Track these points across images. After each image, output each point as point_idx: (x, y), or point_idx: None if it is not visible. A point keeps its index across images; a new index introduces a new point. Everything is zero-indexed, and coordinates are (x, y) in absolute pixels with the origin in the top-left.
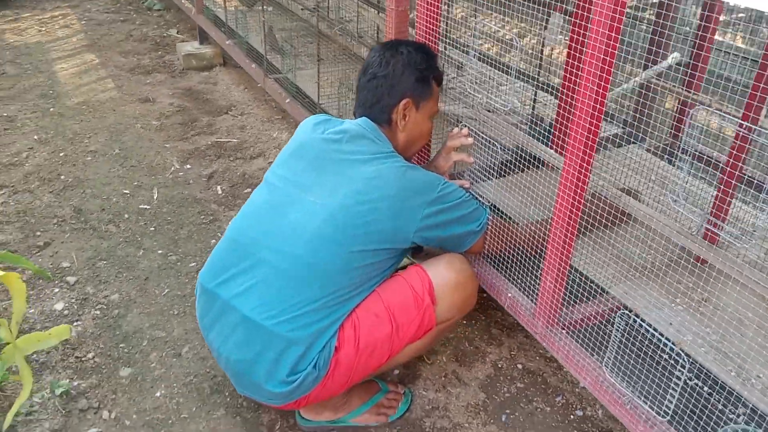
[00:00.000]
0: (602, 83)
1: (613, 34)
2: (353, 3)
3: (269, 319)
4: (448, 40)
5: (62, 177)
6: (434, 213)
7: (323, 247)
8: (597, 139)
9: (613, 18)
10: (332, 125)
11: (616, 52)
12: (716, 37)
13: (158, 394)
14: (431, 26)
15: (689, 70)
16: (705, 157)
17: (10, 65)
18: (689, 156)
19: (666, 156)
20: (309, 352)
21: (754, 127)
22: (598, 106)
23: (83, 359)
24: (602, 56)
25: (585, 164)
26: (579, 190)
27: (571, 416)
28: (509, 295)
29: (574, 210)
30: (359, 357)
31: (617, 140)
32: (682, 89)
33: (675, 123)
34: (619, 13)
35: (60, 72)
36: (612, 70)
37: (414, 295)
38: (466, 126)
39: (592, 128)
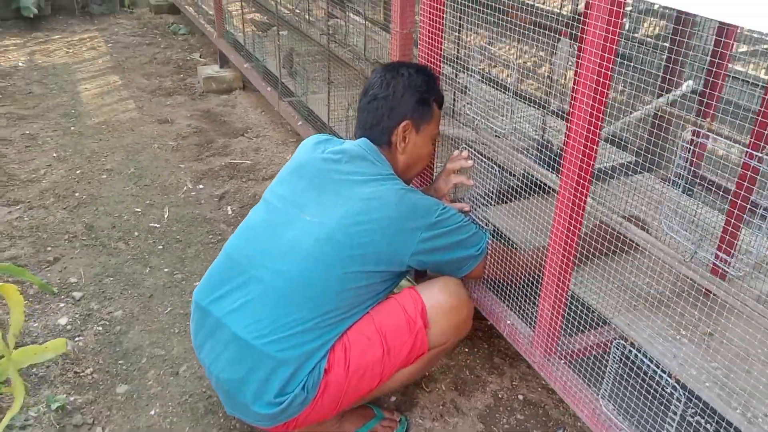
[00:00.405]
0: (596, 105)
1: (606, 55)
2: (367, 26)
3: (259, 339)
4: (451, 63)
5: (77, 194)
6: (431, 237)
7: (318, 267)
8: (593, 163)
9: (606, 38)
10: (332, 145)
11: (624, 78)
12: (738, 67)
13: (153, 412)
14: (433, 48)
15: (703, 99)
16: (696, 180)
17: (37, 85)
18: (682, 180)
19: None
20: (298, 374)
21: (748, 151)
22: (592, 128)
23: (81, 374)
24: (595, 77)
25: (581, 188)
26: (575, 215)
27: None
28: (508, 322)
29: (571, 235)
30: (349, 380)
31: (629, 169)
32: (695, 118)
33: (688, 152)
34: (612, 33)
35: (83, 92)
36: (607, 92)
37: (406, 318)
38: (466, 148)
39: (587, 151)
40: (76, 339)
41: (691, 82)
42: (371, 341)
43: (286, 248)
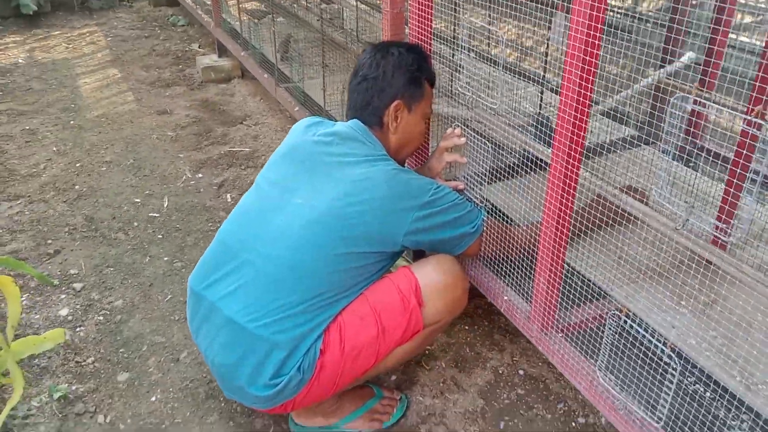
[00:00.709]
0: (586, 76)
1: (594, 24)
2: (361, 9)
3: (252, 322)
4: (444, 40)
5: (77, 187)
6: (425, 216)
7: (308, 250)
8: (584, 134)
9: (593, 7)
10: (324, 127)
11: (624, 51)
12: (743, 38)
13: (154, 398)
14: (423, 26)
15: (704, 69)
16: (688, 147)
17: (37, 81)
18: (672, 146)
19: (681, 157)
20: (293, 356)
21: (745, 117)
22: (582, 100)
23: (83, 364)
24: (584, 47)
25: (573, 160)
26: (568, 188)
27: (573, 423)
28: (505, 298)
29: (564, 208)
30: (345, 360)
31: (630, 143)
32: (695, 89)
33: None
34: (600, 2)
35: (83, 86)
36: (596, 62)
37: (401, 297)
38: (458, 126)
39: (578, 123)
40: (78, 329)
41: (692, 53)
42: (366, 321)
43: (277, 233)
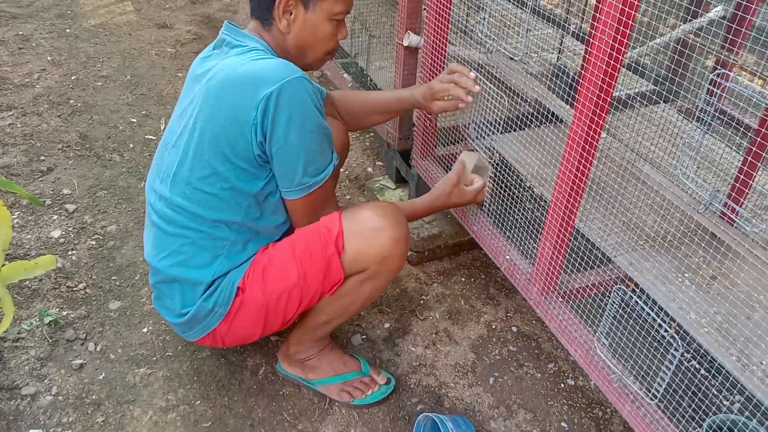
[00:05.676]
0: (621, 27)
1: None
2: None
3: (160, 261)
4: None
5: (71, 101)
6: (266, 109)
7: (184, 187)
8: (612, 92)
9: None
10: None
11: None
12: None
13: (145, 329)
14: None
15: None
16: (718, 116)
17: None
18: (704, 123)
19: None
20: (195, 288)
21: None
22: (614, 53)
23: (74, 289)
24: None
25: (596, 117)
26: (588, 147)
27: (562, 385)
28: (507, 257)
29: (581, 171)
30: (267, 301)
31: (647, 98)
32: (721, 50)
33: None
34: None
35: None
36: (634, 13)
37: (321, 243)
38: (472, 71)
39: (607, 78)
40: (69, 253)
41: (720, 7)
42: (288, 265)
43: (164, 171)
